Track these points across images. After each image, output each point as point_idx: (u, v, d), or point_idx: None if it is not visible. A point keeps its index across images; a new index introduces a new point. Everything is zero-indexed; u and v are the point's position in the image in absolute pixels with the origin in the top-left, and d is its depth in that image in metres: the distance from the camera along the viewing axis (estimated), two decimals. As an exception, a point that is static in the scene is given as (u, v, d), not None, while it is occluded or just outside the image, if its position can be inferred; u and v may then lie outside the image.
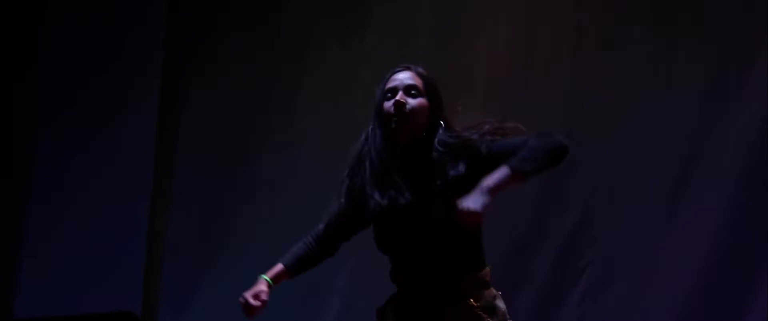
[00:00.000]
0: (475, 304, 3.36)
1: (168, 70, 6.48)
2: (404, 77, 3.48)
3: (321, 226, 3.64)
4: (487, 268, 3.43)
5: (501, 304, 3.42)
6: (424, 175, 3.39)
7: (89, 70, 6.51)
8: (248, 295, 3.52)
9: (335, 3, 6.29)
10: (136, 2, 6.55)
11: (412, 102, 3.42)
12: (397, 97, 3.41)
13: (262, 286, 3.54)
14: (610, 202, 5.58)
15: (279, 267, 3.62)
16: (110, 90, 6.44)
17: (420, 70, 3.53)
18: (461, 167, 3.34)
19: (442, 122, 3.45)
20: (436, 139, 3.40)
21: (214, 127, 6.41)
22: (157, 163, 6.41)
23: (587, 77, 5.71)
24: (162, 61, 6.43)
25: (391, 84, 3.48)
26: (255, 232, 6.19)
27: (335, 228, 3.61)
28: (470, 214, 3.12)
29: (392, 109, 3.41)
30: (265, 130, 6.32)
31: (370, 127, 3.48)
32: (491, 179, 3.17)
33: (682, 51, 5.53)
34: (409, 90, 3.45)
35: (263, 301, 3.53)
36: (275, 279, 3.59)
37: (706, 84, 5.44)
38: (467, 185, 3.23)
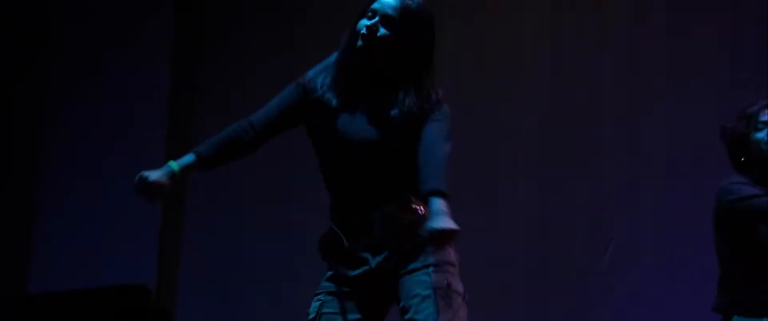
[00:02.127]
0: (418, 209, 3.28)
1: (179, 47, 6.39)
2: (387, 3, 3.36)
3: (259, 114, 3.53)
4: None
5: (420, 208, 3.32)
6: (376, 105, 3.36)
7: (101, 45, 6.47)
8: (147, 177, 3.34)
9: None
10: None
11: (382, 31, 3.33)
12: (370, 23, 3.33)
13: (162, 178, 3.35)
14: (633, 176, 5.76)
15: (190, 156, 3.44)
16: (122, 64, 6.40)
17: (413, 6, 3.36)
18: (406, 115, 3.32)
19: (412, 76, 3.35)
20: (402, 93, 3.34)
21: (230, 98, 6.36)
22: (169, 134, 6.33)
23: (612, 60, 5.90)
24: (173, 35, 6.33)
25: (375, 6, 3.37)
26: (272, 204, 6.23)
27: (277, 114, 3.50)
28: (448, 233, 3.10)
29: (364, 29, 3.33)
30: None
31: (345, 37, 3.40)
32: (443, 206, 3.13)
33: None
34: (387, 20, 3.34)
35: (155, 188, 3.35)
36: (185, 169, 3.41)
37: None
38: (404, 129, 3.27)
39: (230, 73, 6.46)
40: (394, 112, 3.34)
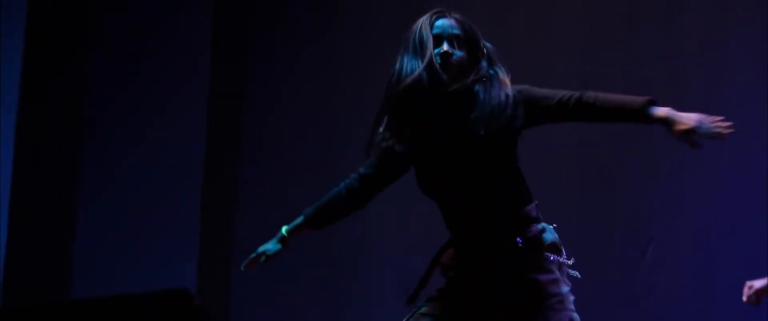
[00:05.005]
0: (519, 240, 3.48)
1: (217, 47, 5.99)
2: (446, 25, 3.52)
3: (366, 168, 3.67)
4: (533, 203, 3.58)
5: (550, 235, 3.56)
6: (465, 121, 3.48)
7: (139, 53, 6.45)
8: (267, 252, 3.67)
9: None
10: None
11: (458, 54, 3.49)
12: (444, 49, 3.46)
13: (276, 249, 3.68)
14: (671, 180, 5.89)
15: (299, 219, 3.70)
16: (160, 75, 6.39)
17: (458, 16, 3.56)
18: (501, 119, 3.49)
19: (484, 72, 3.53)
20: (479, 90, 3.49)
21: (272, 103, 5.99)
22: (209, 140, 6.24)
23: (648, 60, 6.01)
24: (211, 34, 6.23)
25: (436, 31, 3.50)
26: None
27: (381, 166, 3.63)
28: (692, 131, 3.37)
29: (439, 59, 3.45)
30: (326, 112, 6.02)
31: (412, 69, 3.48)
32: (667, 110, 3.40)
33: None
34: (452, 40, 3.50)
35: (260, 259, 3.67)
36: (292, 231, 3.71)
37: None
38: (503, 134, 3.46)
39: (274, 77, 6.14)
40: (475, 116, 3.45)
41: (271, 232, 6.06)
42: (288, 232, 3.65)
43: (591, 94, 3.46)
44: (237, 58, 6.42)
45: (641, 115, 3.38)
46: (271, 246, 3.66)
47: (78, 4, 6.44)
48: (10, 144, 6.13)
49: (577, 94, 3.47)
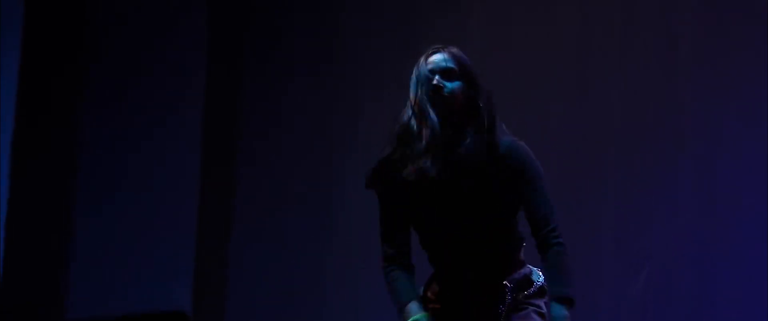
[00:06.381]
0: (509, 284, 3.46)
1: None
2: (439, 59, 3.50)
3: (391, 248, 3.56)
4: (523, 246, 3.55)
5: (537, 278, 3.52)
6: (462, 160, 3.45)
7: (134, 67, 6.37)
8: None
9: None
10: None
11: (449, 86, 3.46)
12: (434, 82, 3.43)
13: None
14: (670, 203, 5.75)
15: (413, 305, 3.49)
16: (155, 88, 6.31)
17: (454, 50, 3.54)
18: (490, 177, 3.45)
19: (481, 115, 3.48)
20: (470, 140, 3.45)
21: (268, 115, 5.98)
22: (205, 158, 6.18)
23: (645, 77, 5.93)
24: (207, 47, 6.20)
25: (429, 67, 3.48)
26: (311, 225, 5.93)
27: (400, 233, 3.55)
28: None
29: (431, 93, 3.42)
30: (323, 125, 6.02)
31: (421, 106, 3.46)
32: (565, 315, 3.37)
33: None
34: (445, 73, 3.47)
35: None
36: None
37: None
38: (495, 182, 3.43)
39: (270, 82, 6.08)
40: (464, 158, 3.41)
41: (266, 255, 6.11)
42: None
43: (554, 250, 3.44)
44: (233, 64, 6.38)
45: (553, 298, 3.41)
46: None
47: (75, 9, 6.41)
48: (8, 144, 6.13)
49: (552, 234, 3.46)
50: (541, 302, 3.49)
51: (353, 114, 6.13)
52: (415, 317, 3.41)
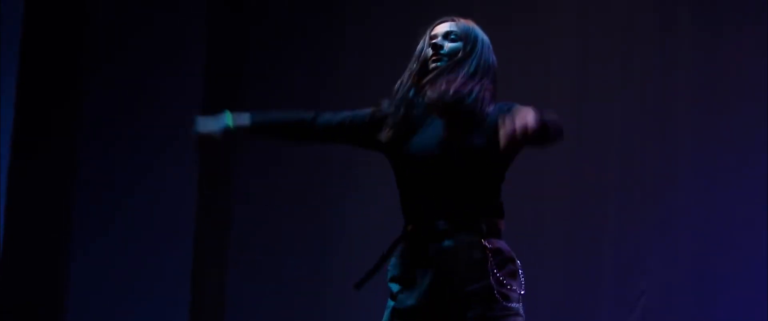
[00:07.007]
0: (488, 245, 3.43)
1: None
2: (443, 25, 3.61)
3: (331, 116, 3.63)
4: (503, 222, 3.52)
5: (513, 266, 3.47)
6: (446, 124, 3.50)
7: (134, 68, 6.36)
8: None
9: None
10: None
11: (450, 45, 3.55)
12: (435, 40, 3.55)
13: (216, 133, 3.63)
14: (663, 231, 5.77)
15: (246, 117, 3.64)
16: (155, 90, 6.31)
17: (461, 19, 3.63)
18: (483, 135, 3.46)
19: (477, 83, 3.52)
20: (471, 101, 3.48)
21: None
22: (202, 170, 6.16)
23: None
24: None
25: (434, 30, 3.60)
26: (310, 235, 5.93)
27: (345, 127, 3.61)
28: (522, 125, 3.20)
29: (430, 51, 3.54)
30: None
31: (420, 61, 3.56)
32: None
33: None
34: (447, 35, 3.58)
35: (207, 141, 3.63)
36: (236, 127, 3.63)
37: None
38: (487, 146, 3.42)
39: (269, 82, 6.08)
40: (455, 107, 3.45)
41: (265, 255, 6.09)
42: (235, 128, 3.59)
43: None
44: (233, 64, 6.38)
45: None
46: (212, 127, 3.60)
47: (75, 9, 6.39)
48: (8, 144, 6.13)
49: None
50: (515, 285, 3.41)
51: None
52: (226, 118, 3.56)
